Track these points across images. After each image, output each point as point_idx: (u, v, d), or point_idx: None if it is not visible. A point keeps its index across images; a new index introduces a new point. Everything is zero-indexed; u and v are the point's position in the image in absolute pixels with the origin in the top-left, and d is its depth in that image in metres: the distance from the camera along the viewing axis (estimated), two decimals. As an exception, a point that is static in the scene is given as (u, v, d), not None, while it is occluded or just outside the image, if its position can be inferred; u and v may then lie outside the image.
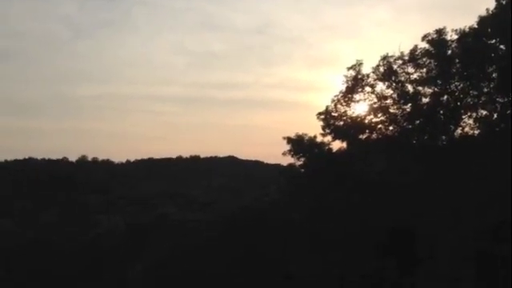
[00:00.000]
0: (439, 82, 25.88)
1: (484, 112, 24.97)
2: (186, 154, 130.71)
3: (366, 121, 26.84)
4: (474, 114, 25.08)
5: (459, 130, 25.61)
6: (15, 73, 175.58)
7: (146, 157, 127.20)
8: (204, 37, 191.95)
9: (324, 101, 28.08)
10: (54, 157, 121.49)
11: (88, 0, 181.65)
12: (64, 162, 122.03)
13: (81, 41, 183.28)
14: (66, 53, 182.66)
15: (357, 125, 26.77)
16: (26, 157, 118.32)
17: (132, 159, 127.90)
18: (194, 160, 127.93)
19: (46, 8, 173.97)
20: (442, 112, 25.96)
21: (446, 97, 25.88)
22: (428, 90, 26.15)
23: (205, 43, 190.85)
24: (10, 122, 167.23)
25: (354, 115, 27.01)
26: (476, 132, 25.28)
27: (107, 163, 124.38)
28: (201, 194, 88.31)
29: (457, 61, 25.64)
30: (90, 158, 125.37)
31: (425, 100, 26.21)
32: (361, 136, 26.94)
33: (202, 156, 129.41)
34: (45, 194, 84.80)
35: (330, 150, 28.32)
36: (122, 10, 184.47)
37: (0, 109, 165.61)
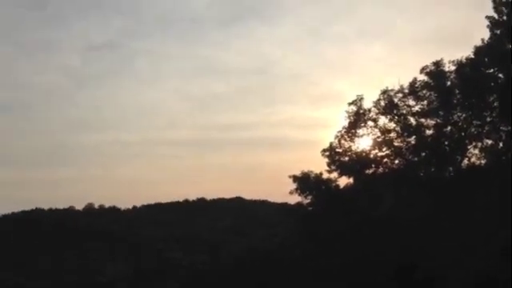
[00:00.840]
0: (441, 113, 25.99)
1: (489, 141, 24.93)
2: (192, 196, 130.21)
3: (371, 155, 26.80)
4: (479, 144, 25.04)
5: (466, 161, 25.50)
6: (20, 124, 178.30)
7: (152, 201, 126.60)
8: (206, 80, 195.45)
9: (328, 137, 28.17)
10: (60, 206, 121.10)
11: (90, 51, 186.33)
12: (71, 210, 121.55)
13: (84, 90, 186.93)
14: (69, 103, 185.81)
15: (362, 160, 26.70)
16: (33, 207, 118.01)
17: (138, 205, 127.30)
18: (201, 202, 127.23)
19: (48, 60, 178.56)
20: (446, 143, 25.94)
21: (449, 128, 25.92)
22: (431, 122, 26.23)
23: (207, 86, 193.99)
24: (16, 173, 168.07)
25: (358, 150, 27.00)
26: (482, 162, 25.16)
27: (113, 210, 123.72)
28: (208, 236, 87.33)
29: (457, 91, 25.84)
30: (96, 206, 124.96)
31: (428, 132, 26.26)
32: (367, 171, 26.82)
33: (209, 198, 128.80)
34: (52, 243, 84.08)
35: (337, 186, 28.12)
36: (122, 59, 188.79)
37: (5, 160, 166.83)
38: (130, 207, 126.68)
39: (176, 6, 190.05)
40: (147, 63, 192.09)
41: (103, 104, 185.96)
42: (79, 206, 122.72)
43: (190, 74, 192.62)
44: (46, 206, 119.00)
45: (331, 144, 27.20)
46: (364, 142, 26.92)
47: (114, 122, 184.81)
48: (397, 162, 26.67)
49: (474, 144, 25.18)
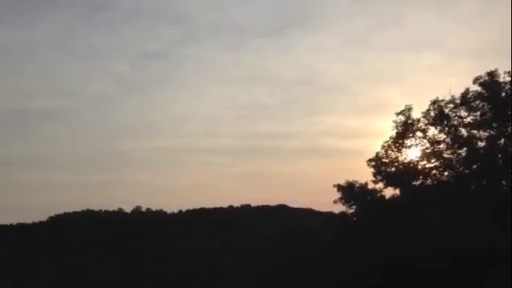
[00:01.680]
0: (495, 125, 25.17)
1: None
2: (236, 203, 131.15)
3: (419, 166, 26.28)
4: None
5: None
6: (70, 130, 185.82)
7: (197, 207, 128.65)
8: (251, 89, 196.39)
9: (373, 148, 27.87)
10: (110, 208, 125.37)
11: (138, 58, 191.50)
12: (120, 212, 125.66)
13: (132, 97, 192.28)
14: (119, 109, 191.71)
15: (409, 171, 26.25)
16: (85, 209, 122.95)
17: (184, 209, 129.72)
18: (245, 209, 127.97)
19: (98, 67, 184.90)
20: (499, 156, 25.07)
21: (502, 140, 25.05)
22: (483, 134, 25.45)
23: (252, 95, 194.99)
24: (69, 176, 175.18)
25: (405, 161, 26.57)
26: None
27: (160, 213, 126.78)
28: (253, 243, 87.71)
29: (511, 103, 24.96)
30: (144, 209, 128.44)
31: (480, 144, 25.47)
32: (414, 182, 26.32)
33: (253, 205, 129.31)
34: (103, 244, 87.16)
35: (383, 196, 27.74)
36: (170, 67, 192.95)
37: (61, 164, 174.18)
38: (176, 211, 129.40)
39: (223, 15, 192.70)
40: (194, 71, 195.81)
41: (151, 111, 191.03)
42: (127, 209, 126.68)
43: (236, 82, 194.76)
44: (96, 208, 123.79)
45: (377, 154, 26.92)
46: (412, 152, 26.48)
47: (160, 129, 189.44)
48: (446, 173, 26.02)
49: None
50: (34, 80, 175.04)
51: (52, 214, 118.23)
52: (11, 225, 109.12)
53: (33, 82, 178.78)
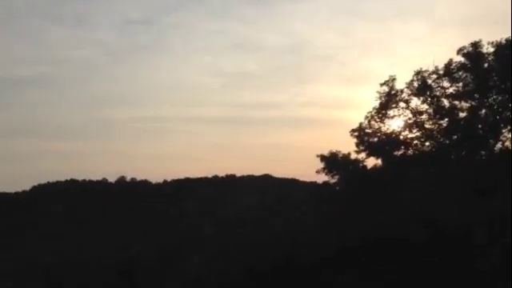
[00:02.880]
0: (476, 95, 25.37)
1: (524, 125, 24.22)
2: (221, 173, 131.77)
3: (401, 137, 26.49)
4: (514, 128, 24.36)
5: (499, 145, 24.91)
6: (55, 97, 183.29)
7: (182, 176, 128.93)
8: (238, 57, 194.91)
9: (358, 118, 27.93)
10: (94, 178, 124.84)
11: (125, 25, 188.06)
12: (104, 182, 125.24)
13: (118, 65, 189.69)
14: (104, 77, 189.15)
15: (392, 141, 26.45)
16: (68, 178, 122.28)
17: (169, 179, 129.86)
18: (230, 179, 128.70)
19: (84, 34, 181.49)
20: (480, 126, 25.36)
21: (484, 111, 25.30)
22: (465, 105, 25.65)
23: (239, 64, 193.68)
24: (51, 144, 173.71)
25: (388, 131, 26.73)
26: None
27: (145, 183, 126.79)
28: (237, 213, 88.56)
29: (494, 74, 25.09)
30: (128, 179, 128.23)
31: (462, 114, 25.71)
32: (396, 152, 26.58)
33: (238, 175, 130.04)
34: (85, 212, 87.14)
35: (365, 166, 28.01)
36: (157, 34, 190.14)
37: (42, 132, 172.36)
38: (161, 181, 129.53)
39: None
40: (181, 39, 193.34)
41: (136, 79, 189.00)
42: (111, 179, 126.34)
43: (223, 50, 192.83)
44: (79, 178, 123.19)
45: (361, 124, 27.02)
46: (394, 123, 26.65)
47: (145, 98, 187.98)
48: (427, 144, 26.30)
49: (508, 128, 24.54)
50: (19, 47, 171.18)
51: (35, 184, 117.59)
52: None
53: (18, 49, 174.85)
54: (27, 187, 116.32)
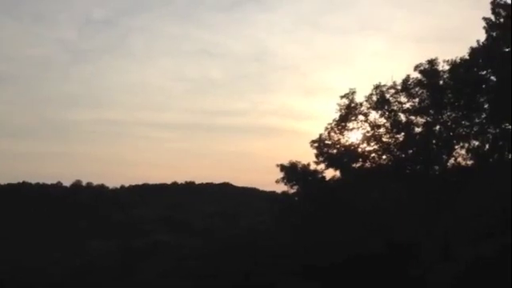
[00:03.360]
0: (432, 111, 26.13)
1: (476, 142, 25.12)
2: (180, 179, 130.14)
3: (360, 149, 26.93)
4: (467, 145, 25.21)
5: (452, 160, 25.72)
6: (11, 96, 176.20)
7: (140, 182, 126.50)
8: (201, 63, 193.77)
9: (318, 129, 28.23)
10: (48, 181, 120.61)
11: (86, 25, 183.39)
12: (58, 186, 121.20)
13: (77, 65, 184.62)
14: (63, 77, 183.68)
15: (350, 153, 26.83)
16: (20, 181, 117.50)
17: (126, 184, 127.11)
18: (189, 186, 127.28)
19: (43, 32, 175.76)
20: (434, 142, 26.12)
21: (438, 127, 26.09)
22: (421, 120, 26.38)
23: (202, 70, 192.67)
24: (5, 145, 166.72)
25: (347, 143, 27.12)
26: (469, 162, 25.38)
27: (101, 188, 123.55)
28: (195, 220, 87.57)
29: (449, 91, 25.95)
30: (84, 183, 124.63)
31: (417, 129, 26.42)
32: (354, 164, 26.98)
33: (197, 182, 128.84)
34: (37, 218, 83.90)
35: (324, 178, 28.30)
36: (119, 36, 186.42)
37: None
38: (118, 186, 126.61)
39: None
40: (143, 41, 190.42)
41: (96, 80, 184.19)
42: (66, 183, 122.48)
43: (186, 55, 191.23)
44: (32, 181, 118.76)
45: (320, 136, 27.30)
46: (353, 135, 27.07)
47: (105, 100, 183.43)
48: (384, 157, 26.84)
49: (461, 144, 25.37)
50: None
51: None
52: None
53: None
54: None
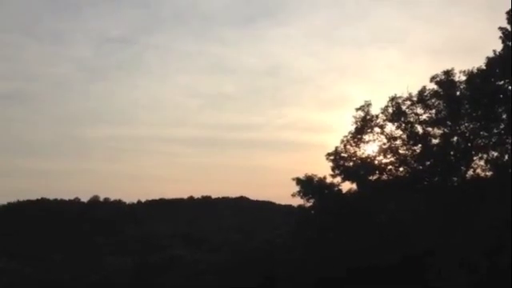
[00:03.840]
0: (449, 123, 25.88)
1: (495, 153, 24.76)
2: (197, 194, 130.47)
3: (376, 162, 26.74)
4: (485, 156, 24.87)
5: (471, 172, 25.36)
6: (30, 115, 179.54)
7: (157, 197, 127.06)
8: (216, 79, 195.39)
9: (334, 142, 28.16)
10: (66, 197, 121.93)
11: (102, 44, 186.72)
12: (76, 202, 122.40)
13: (94, 83, 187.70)
14: (80, 95, 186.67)
15: (367, 166, 26.65)
16: (39, 197, 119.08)
17: (143, 200, 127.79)
18: (206, 200, 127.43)
19: (60, 51, 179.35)
20: (452, 153, 25.81)
21: (456, 138, 25.79)
22: (438, 131, 26.13)
23: (217, 85, 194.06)
24: (24, 162, 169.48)
25: (363, 156, 26.96)
26: (487, 173, 24.99)
27: (119, 203, 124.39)
28: (212, 235, 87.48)
29: (466, 102, 25.69)
30: (101, 199, 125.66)
31: (435, 141, 26.16)
32: (371, 177, 26.77)
33: (214, 196, 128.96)
34: (56, 233, 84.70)
35: (340, 191, 28.11)
36: (135, 54, 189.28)
37: (14, 150, 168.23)
38: (135, 201, 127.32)
39: (190, 3, 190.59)
40: (159, 59, 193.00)
41: (113, 97, 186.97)
42: (84, 198, 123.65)
43: (201, 71, 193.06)
44: (51, 197, 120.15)
45: (336, 148, 27.21)
46: (370, 148, 26.91)
47: (122, 116, 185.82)
48: (401, 169, 26.58)
49: (479, 155, 25.03)
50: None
51: (5, 203, 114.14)
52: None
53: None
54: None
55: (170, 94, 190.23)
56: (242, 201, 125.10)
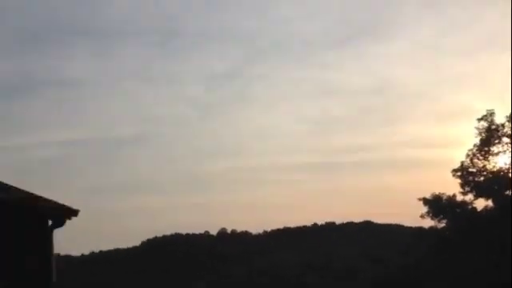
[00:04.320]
0: None
1: None
2: (320, 221, 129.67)
3: (510, 174, 24.80)
4: None
5: None
6: (149, 155, 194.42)
7: (281, 226, 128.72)
8: (321, 103, 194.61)
9: (458, 156, 26.69)
10: (196, 231, 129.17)
11: (211, 80, 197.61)
12: (206, 235, 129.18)
13: (206, 119, 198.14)
14: (194, 132, 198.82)
15: (500, 180, 24.83)
16: (173, 232, 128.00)
17: (268, 229, 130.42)
18: (329, 226, 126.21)
19: (175, 91, 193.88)
20: None
21: None
22: None
23: (323, 109, 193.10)
24: (154, 200, 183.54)
25: (494, 169, 25.21)
26: None
27: (246, 234, 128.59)
28: (338, 262, 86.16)
29: None
30: (229, 231, 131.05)
31: None
32: (507, 192, 24.83)
33: (338, 222, 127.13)
34: (192, 267, 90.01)
35: (474, 209, 26.39)
36: (241, 86, 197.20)
37: (143, 189, 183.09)
38: (261, 232, 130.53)
39: (289, 30, 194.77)
40: (264, 89, 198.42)
41: (225, 131, 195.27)
42: (213, 231, 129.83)
43: (305, 96, 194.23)
44: (183, 231, 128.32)
45: (463, 163, 25.81)
46: (500, 160, 25.10)
47: (236, 148, 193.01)
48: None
49: None
50: (116, 108, 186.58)
51: (144, 239, 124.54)
52: (108, 250, 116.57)
53: (115, 111, 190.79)
54: (137, 242, 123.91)
55: (279, 122, 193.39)
56: (367, 225, 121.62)
